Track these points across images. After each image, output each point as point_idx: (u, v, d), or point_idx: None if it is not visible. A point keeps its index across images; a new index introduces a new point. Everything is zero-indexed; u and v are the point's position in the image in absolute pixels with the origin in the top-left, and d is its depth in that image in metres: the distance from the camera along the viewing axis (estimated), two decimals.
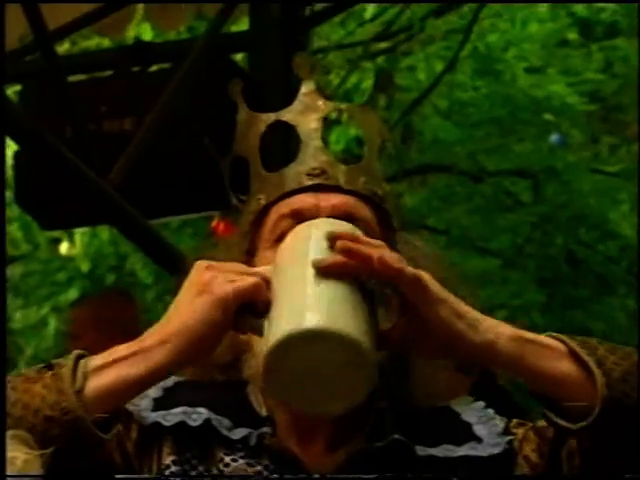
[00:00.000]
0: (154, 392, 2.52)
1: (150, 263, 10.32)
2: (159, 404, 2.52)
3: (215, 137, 5.41)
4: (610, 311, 11.67)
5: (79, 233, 11.86)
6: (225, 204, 7.13)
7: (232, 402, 2.52)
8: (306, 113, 2.57)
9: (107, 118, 5.52)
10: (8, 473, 2.38)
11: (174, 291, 2.51)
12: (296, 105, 2.59)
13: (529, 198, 11.67)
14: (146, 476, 2.35)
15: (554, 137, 11.86)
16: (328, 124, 2.51)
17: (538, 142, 11.64)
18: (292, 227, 2.44)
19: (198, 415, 2.49)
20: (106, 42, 8.17)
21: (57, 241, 12.65)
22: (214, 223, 8.15)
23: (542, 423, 2.46)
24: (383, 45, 10.10)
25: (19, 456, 2.29)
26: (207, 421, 2.47)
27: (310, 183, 2.49)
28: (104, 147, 5.24)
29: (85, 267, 12.51)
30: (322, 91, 2.66)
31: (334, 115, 2.73)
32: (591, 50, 12.30)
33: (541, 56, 11.83)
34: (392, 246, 2.38)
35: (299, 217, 2.44)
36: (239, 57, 6.72)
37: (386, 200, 2.56)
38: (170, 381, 2.55)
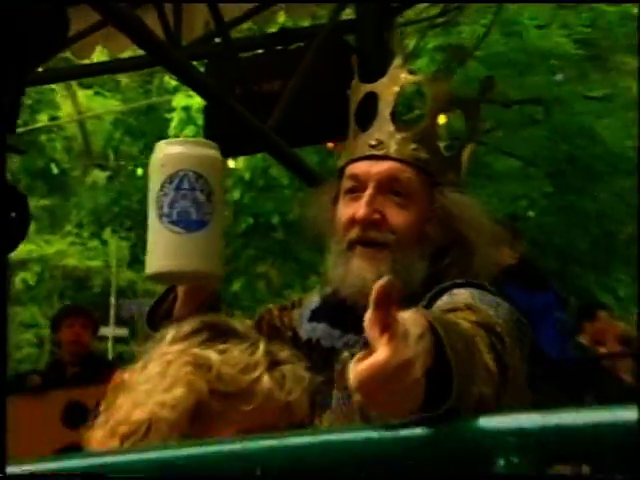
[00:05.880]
0: (315, 303, 2.46)
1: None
2: (311, 315, 2.44)
3: (335, 93, 5.58)
4: (600, 194, 11.60)
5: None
6: (336, 137, 7.30)
7: (340, 308, 2.34)
8: (389, 85, 2.35)
9: (263, 81, 5.68)
10: None
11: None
12: (385, 78, 2.37)
13: (542, 118, 11.61)
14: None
15: (558, 76, 11.81)
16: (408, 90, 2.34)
17: (547, 79, 11.52)
18: (352, 189, 2.30)
19: (314, 329, 2.39)
20: (257, 28, 8.13)
21: None
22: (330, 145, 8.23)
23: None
24: (440, 20, 10.01)
25: None
26: (319, 337, 2.36)
27: (367, 154, 2.30)
28: (261, 102, 5.42)
29: (247, 176, 12.54)
30: (406, 65, 2.50)
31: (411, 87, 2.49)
32: (581, 9, 12.07)
33: (547, 15, 11.66)
34: (436, 207, 2.28)
35: (356, 179, 2.30)
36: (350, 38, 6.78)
37: (435, 165, 2.30)
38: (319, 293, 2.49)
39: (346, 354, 2.23)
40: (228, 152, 6.78)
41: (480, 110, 2.44)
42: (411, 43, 10.37)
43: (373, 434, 1.41)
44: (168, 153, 2.30)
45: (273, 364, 1.87)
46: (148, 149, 13.14)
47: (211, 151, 2.33)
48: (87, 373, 5.34)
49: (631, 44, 12.04)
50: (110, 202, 12.46)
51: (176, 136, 11.47)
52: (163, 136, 12.53)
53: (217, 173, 2.32)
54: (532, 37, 11.40)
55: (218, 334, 1.90)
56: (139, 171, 12.59)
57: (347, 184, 2.31)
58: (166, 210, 2.23)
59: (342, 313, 2.31)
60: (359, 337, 2.20)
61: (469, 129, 2.43)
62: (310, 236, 2.44)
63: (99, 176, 14.19)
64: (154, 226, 2.26)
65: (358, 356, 1.49)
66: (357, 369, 1.46)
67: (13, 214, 4.92)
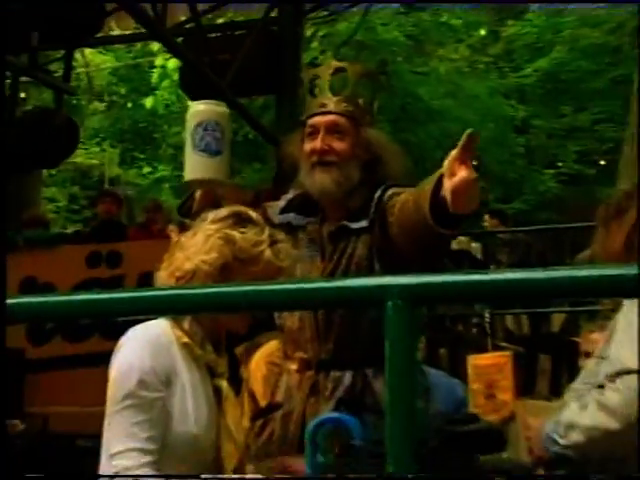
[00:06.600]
0: (282, 204, 2.52)
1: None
2: (283, 209, 2.52)
3: (265, 64, 5.51)
4: (420, 133, 11.66)
5: None
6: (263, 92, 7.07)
7: (306, 202, 2.49)
8: (326, 69, 2.45)
9: (219, 54, 5.63)
10: None
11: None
12: (323, 65, 2.52)
13: (386, 84, 11.59)
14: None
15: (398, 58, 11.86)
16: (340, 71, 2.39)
17: (389, 59, 11.55)
18: (311, 132, 2.42)
19: (288, 217, 2.49)
20: (219, 20, 7.74)
21: None
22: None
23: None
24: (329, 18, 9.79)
25: None
26: (289, 221, 2.48)
27: (317, 111, 2.41)
28: (218, 67, 5.40)
29: None
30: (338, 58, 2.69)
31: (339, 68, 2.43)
32: (410, 15, 12.11)
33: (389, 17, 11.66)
34: (361, 139, 2.40)
35: (312, 127, 2.42)
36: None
37: (359, 113, 2.41)
38: (290, 194, 2.55)
39: (309, 227, 2.44)
40: (196, 100, 6.70)
41: (377, 80, 2.59)
42: (309, 32, 10.36)
43: (318, 284, 1.43)
44: (199, 109, 2.49)
45: (273, 242, 1.99)
46: (134, 90, 12.99)
47: (224, 108, 2.53)
48: (109, 237, 5.24)
49: (439, 40, 12.27)
50: (109, 125, 12.49)
51: (156, 85, 11.50)
52: (145, 83, 12.41)
53: (227, 122, 2.52)
54: (380, 32, 11.44)
55: (241, 220, 2.01)
56: (129, 104, 12.54)
57: (308, 130, 2.42)
58: (197, 143, 2.44)
59: (306, 206, 2.47)
60: (317, 219, 2.45)
61: (374, 90, 2.50)
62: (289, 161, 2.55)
63: (98, 106, 13.93)
64: (189, 152, 2.46)
65: (445, 178, 1.87)
66: (452, 181, 1.86)
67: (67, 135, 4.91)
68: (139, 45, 12.61)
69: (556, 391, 5.81)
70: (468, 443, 1.99)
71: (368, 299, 1.29)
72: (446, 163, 1.87)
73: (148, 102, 11.24)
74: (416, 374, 1.27)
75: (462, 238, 6.77)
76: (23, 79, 5.80)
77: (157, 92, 11.37)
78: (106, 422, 1.87)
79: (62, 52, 5.60)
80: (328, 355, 2.31)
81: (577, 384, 1.97)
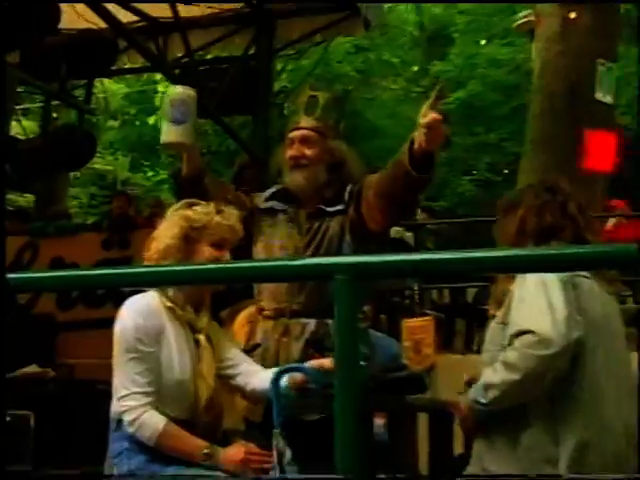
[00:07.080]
0: (266, 196, 2.56)
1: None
2: (267, 198, 2.56)
3: (244, 90, 5.25)
4: (366, 147, 11.54)
5: None
6: (243, 113, 6.66)
7: (286, 194, 2.52)
8: (302, 96, 2.50)
9: (207, 82, 5.47)
10: None
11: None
12: (301, 94, 2.53)
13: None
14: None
15: (349, 87, 11.70)
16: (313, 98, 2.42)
17: (344, 89, 11.46)
18: (290, 143, 2.46)
19: (271, 203, 2.53)
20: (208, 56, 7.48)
21: None
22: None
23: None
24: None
25: None
26: (272, 206, 2.53)
27: (295, 127, 2.46)
28: (203, 94, 5.25)
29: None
30: (312, 86, 2.57)
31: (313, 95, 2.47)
32: (360, 55, 11.86)
33: (342, 55, 11.41)
34: (326, 148, 2.44)
35: (290, 140, 2.48)
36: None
37: (325, 129, 2.46)
38: (273, 189, 2.57)
39: (289, 210, 2.48)
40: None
41: (343, 105, 2.56)
42: (279, 66, 10.19)
43: (281, 263, 1.51)
44: (174, 91, 2.52)
45: (219, 211, 2.07)
46: (141, 112, 12.78)
47: (191, 91, 2.52)
48: (121, 226, 5.14)
49: (382, 74, 12.23)
50: (121, 138, 12.29)
51: (158, 106, 11.28)
52: (150, 105, 12.19)
53: (193, 101, 2.50)
54: (336, 67, 11.36)
55: (191, 204, 2.09)
56: (137, 122, 12.35)
57: (287, 142, 2.48)
58: (169, 115, 2.46)
59: (286, 197, 2.51)
60: (294, 206, 2.47)
61: (340, 114, 2.56)
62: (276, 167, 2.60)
63: (113, 124, 13.78)
64: (164, 122, 2.48)
65: (423, 117, 1.99)
66: (430, 116, 1.98)
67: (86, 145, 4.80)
68: (145, 75, 12.46)
69: (469, 347, 5.94)
70: (398, 386, 2.00)
71: (321, 274, 1.31)
72: (421, 111, 2.00)
73: (152, 120, 11.14)
74: (358, 333, 1.25)
75: (398, 228, 6.81)
76: (54, 102, 5.78)
77: (159, 112, 11.26)
78: (114, 372, 1.92)
79: (85, 81, 5.57)
80: (299, 306, 2.35)
81: (487, 344, 1.95)
